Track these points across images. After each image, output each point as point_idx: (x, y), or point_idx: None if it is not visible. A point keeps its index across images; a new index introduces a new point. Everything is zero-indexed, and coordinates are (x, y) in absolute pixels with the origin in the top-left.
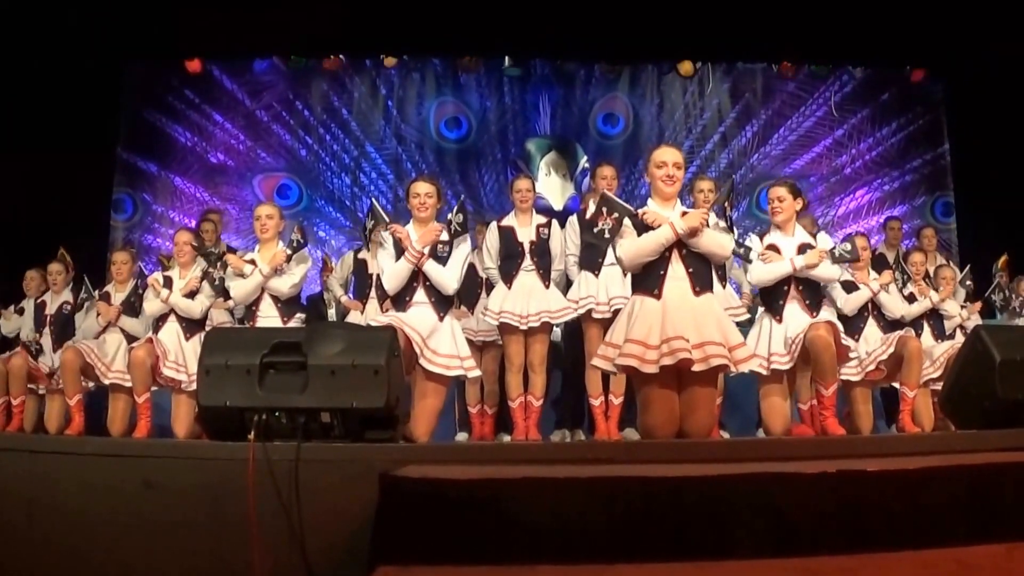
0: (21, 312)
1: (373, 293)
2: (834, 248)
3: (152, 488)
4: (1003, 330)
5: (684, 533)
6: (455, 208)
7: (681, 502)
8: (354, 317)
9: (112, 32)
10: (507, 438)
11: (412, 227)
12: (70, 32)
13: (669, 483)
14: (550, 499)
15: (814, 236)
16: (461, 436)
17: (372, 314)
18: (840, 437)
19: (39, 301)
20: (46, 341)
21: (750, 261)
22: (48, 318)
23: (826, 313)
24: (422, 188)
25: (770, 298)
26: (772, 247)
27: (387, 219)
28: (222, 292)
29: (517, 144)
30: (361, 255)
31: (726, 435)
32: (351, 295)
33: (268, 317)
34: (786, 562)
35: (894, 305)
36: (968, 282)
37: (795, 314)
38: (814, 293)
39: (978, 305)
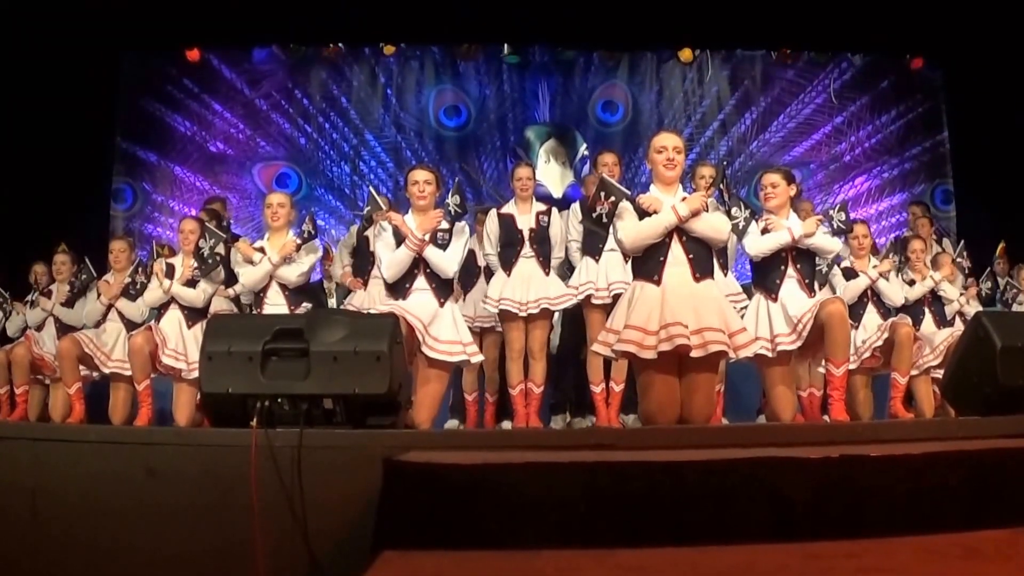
0: (29, 304)
1: (376, 272)
2: (830, 213)
3: (155, 475)
4: (1004, 316)
5: (686, 518)
6: (451, 191)
7: (683, 487)
8: (358, 297)
9: (110, 21)
10: (508, 425)
11: (411, 215)
12: (67, 21)
13: (671, 468)
14: (553, 484)
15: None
16: (452, 423)
17: (376, 295)
18: (842, 423)
19: (45, 290)
20: (50, 331)
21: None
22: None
23: (827, 293)
24: (421, 176)
25: (765, 277)
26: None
27: (383, 207)
28: (208, 265)
29: (516, 132)
30: (365, 232)
31: (725, 422)
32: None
33: (275, 305)
34: (788, 547)
35: (894, 293)
36: (959, 259)
37: (793, 293)
38: (811, 271)
39: (974, 289)
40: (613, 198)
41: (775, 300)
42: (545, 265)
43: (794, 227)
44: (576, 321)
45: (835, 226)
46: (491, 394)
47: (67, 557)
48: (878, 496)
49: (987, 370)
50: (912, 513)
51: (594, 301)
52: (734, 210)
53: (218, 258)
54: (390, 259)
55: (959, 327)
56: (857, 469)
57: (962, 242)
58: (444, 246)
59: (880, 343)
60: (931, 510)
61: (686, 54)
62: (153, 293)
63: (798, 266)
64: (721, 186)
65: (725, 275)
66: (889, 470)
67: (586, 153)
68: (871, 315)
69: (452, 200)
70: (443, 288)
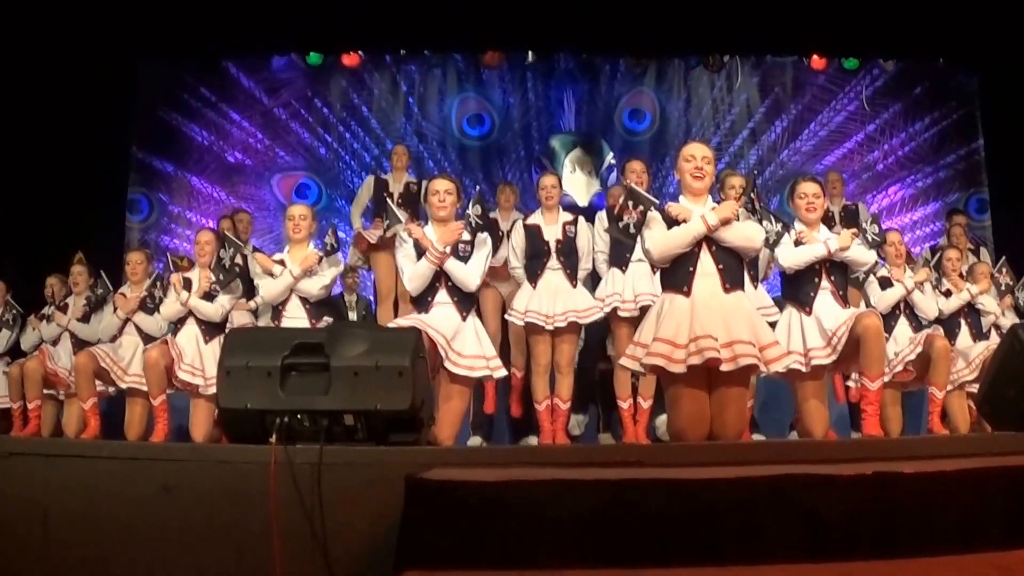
0: (44, 319)
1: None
2: (863, 226)
3: (171, 492)
4: None
5: (715, 537)
6: (471, 200)
7: (712, 505)
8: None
9: (126, 29)
10: (533, 441)
11: (431, 226)
12: (83, 29)
13: (699, 485)
14: (578, 502)
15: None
16: (474, 440)
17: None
18: (875, 438)
19: (61, 304)
20: (65, 345)
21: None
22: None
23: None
24: (440, 186)
25: (798, 290)
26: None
27: (402, 218)
28: (228, 275)
29: (541, 141)
30: (384, 177)
31: (760, 437)
32: (366, 223)
33: (296, 319)
34: (820, 567)
35: (928, 306)
36: (997, 274)
37: (828, 305)
38: (844, 283)
39: (1009, 300)
40: (641, 207)
41: (809, 313)
42: (572, 277)
43: (830, 240)
44: (601, 335)
45: (870, 239)
46: (519, 369)
47: None
48: (912, 514)
49: None
50: (947, 532)
51: (621, 314)
52: (765, 223)
53: (237, 269)
54: (412, 272)
55: (995, 340)
56: (891, 487)
57: (1003, 258)
58: (466, 258)
59: (913, 357)
60: (966, 529)
61: (714, 60)
62: (171, 306)
63: (832, 278)
64: (752, 195)
65: (755, 287)
66: (923, 488)
67: (613, 162)
68: (903, 327)
69: (473, 210)
70: (465, 301)
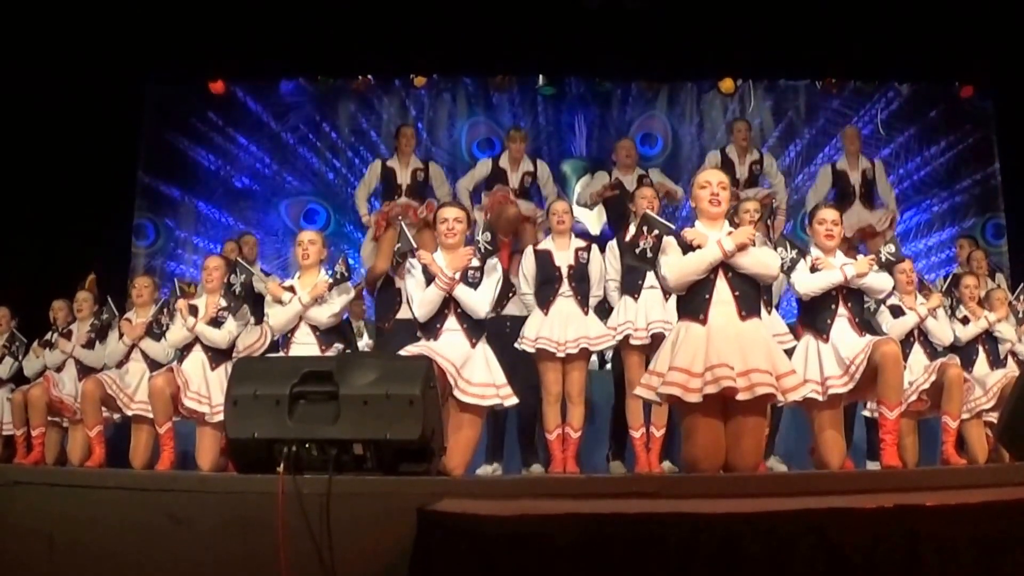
0: (47, 345)
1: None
2: (879, 250)
3: (177, 523)
4: None
5: (733, 571)
6: (483, 227)
7: (729, 538)
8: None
9: (134, 54)
10: (539, 469)
11: (440, 254)
12: (90, 53)
13: (718, 519)
14: (592, 535)
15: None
16: (486, 469)
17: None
18: (894, 469)
19: (65, 331)
20: (70, 372)
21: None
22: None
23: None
24: (450, 213)
25: (815, 317)
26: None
27: (414, 244)
28: (238, 300)
29: (552, 166)
30: (390, 163)
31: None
32: (375, 203)
33: (305, 345)
34: None
35: (942, 332)
36: (1015, 302)
37: (845, 333)
38: (862, 310)
39: None
40: (656, 231)
41: (826, 341)
42: (584, 304)
43: (846, 266)
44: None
45: (884, 259)
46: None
47: None
48: (935, 547)
49: None
50: (969, 565)
51: (632, 342)
52: (779, 249)
53: (243, 292)
54: (421, 298)
55: (1012, 367)
56: (913, 519)
57: (1022, 285)
58: (475, 285)
59: (927, 385)
60: (991, 562)
61: (727, 84)
62: (177, 332)
63: (849, 305)
64: (769, 222)
65: (770, 313)
66: (946, 520)
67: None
68: (917, 355)
69: (482, 237)
70: (475, 328)
